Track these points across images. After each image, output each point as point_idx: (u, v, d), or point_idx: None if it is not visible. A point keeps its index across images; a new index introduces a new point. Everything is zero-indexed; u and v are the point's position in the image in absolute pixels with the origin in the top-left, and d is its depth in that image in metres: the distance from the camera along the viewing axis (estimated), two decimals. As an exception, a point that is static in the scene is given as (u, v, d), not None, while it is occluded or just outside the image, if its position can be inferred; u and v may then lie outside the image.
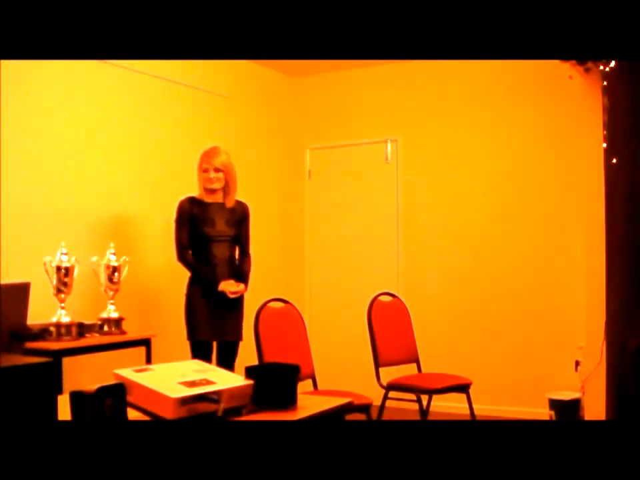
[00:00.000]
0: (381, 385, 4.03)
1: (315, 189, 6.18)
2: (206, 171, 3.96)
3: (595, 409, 4.21)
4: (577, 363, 4.71)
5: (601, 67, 3.91)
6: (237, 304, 3.99)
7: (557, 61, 4.71)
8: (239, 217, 4.06)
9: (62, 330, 3.50)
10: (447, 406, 5.00)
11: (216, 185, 3.97)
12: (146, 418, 1.81)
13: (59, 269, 3.55)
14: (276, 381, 2.02)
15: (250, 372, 2.01)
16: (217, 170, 3.95)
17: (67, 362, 3.47)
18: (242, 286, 3.97)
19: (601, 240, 4.04)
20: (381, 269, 5.80)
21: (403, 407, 4.28)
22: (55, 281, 3.54)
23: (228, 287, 3.90)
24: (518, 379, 5.16)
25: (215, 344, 3.99)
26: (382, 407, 4.01)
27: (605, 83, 3.88)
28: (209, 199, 4.00)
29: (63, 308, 3.54)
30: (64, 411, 1.59)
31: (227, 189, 4.01)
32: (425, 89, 5.70)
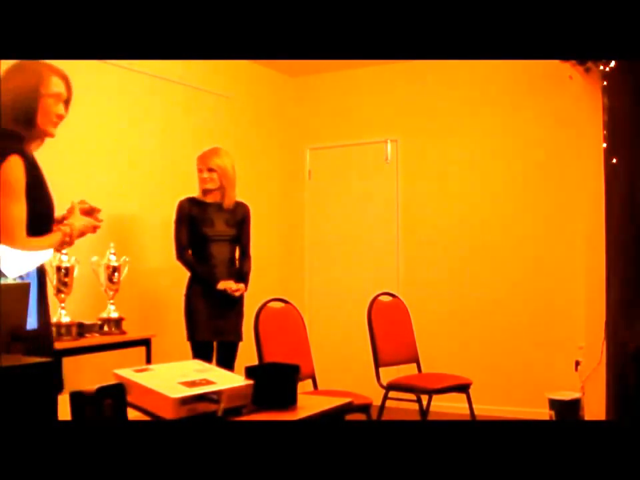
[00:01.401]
0: (381, 385, 4.03)
1: (315, 189, 6.18)
2: (200, 171, 4.01)
3: (595, 409, 4.21)
4: (577, 363, 4.71)
5: (601, 67, 3.92)
6: (236, 304, 4.00)
7: (557, 61, 4.70)
8: (240, 218, 4.06)
9: (62, 330, 3.50)
10: (447, 406, 5.00)
11: (209, 185, 3.99)
12: (146, 418, 1.81)
13: (59, 268, 3.55)
14: (276, 380, 2.02)
15: (250, 372, 2.01)
16: (210, 170, 3.97)
17: (66, 362, 3.47)
18: (242, 285, 3.98)
19: (601, 240, 4.04)
20: (381, 268, 5.80)
21: (403, 406, 4.28)
22: (55, 281, 3.54)
23: (228, 285, 3.91)
24: (518, 379, 5.16)
25: (215, 344, 4.00)
26: (382, 406, 4.01)
27: (605, 83, 3.88)
28: (207, 199, 4.01)
29: (63, 308, 3.54)
30: (64, 411, 1.59)
31: (222, 190, 4.01)
32: (425, 89, 5.70)
